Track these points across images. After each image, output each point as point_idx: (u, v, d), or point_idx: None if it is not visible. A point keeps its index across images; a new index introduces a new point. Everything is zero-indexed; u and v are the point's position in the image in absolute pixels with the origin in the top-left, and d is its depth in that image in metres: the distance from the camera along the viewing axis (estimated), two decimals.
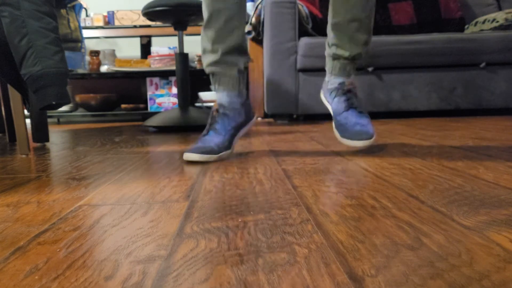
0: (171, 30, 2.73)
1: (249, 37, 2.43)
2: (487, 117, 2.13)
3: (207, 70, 1.02)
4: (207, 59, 1.01)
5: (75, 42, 2.24)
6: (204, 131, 1.00)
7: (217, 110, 1.00)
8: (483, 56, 2.13)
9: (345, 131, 1.03)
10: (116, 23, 2.75)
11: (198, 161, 0.94)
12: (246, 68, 1.03)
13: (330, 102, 1.11)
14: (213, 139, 0.97)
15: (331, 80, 1.11)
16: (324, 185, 0.70)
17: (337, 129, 1.06)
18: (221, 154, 0.96)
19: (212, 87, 1.04)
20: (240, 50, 1.00)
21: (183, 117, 1.82)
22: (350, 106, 1.06)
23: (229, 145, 0.99)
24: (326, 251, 0.41)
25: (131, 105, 2.67)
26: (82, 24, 2.73)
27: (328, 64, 1.12)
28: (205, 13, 0.98)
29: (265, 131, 1.69)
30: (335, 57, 1.08)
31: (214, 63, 1.00)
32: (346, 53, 1.06)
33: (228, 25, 0.97)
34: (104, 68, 2.68)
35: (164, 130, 1.88)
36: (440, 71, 2.16)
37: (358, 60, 1.08)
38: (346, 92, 1.08)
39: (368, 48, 1.08)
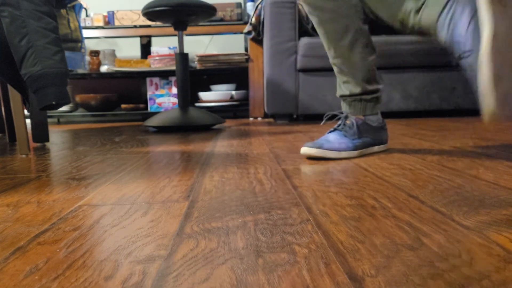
0: (171, 30, 2.73)
1: (249, 37, 2.43)
2: None
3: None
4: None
5: (75, 42, 2.24)
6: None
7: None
8: None
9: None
10: (116, 23, 2.75)
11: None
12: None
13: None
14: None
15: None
16: (324, 185, 0.70)
17: None
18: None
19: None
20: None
21: (183, 117, 1.82)
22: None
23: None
24: (326, 251, 0.41)
25: (131, 105, 2.67)
26: (82, 24, 2.73)
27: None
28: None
29: (265, 131, 1.69)
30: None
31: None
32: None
33: None
34: (104, 68, 2.68)
35: (164, 130, 1.88)
36: (440, 71, 2.16)
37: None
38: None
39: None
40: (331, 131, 1.02)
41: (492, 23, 0.71)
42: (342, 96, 1.05)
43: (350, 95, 1.02)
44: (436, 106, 2.18)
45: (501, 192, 0.61)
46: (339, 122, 1.02)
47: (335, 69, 1.05)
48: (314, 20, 1.02)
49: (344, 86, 1.04)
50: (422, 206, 0.55)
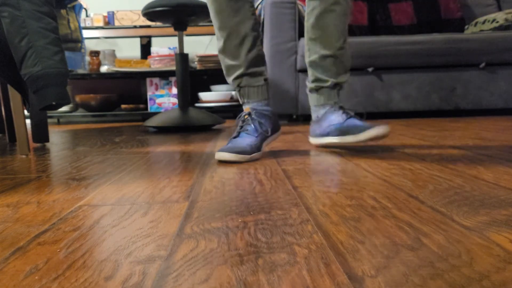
0: (171, 30, 2.73)
1: None
2: (487, 117, 2.13)
3: (235, 83, 1.07)
4: (233, 74, 1.06)
5: (75, 42, 2.24)
6: (235, 134, 1.02)
7: (249, 114, 1.04)
8: (483, 56, 2.13)
9: (356, 130, 1.00)
10: (116, 23, 2.75)
11: (230, 161, 0.94)
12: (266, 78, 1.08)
13: (327, 126, 1.08)
14: (245, 140, 0.98)
15: (319, 111, 1.11)
16: (324, 185, 0.70)
17: (345, 135, 1.02)
18: (253, 154, 0.96)
19: (240, 99, 1.08)
20: (262, 59, 1.06)
21: (183, 118, 1.82)
22: (350, 115, 1.06)
23: (260, 147, 1.00)
24: (326, 251, 0.41)
25: (131, 106, 2.67)
26: (82, 24, 2.73)
27: (312, 99, 1.13)
28: (220, 34, 1.03)
29: None
30: (318, 88, 1.10)
31: (241, 76, 1.05)
32: (327, 83, 1.09)
33: (247, 39, 1.02)
34: (104, 68, 2.68)
35: (164, 130, 1.88)
36: (440, 71, 2.16)
37: (338, 87, 1.09)
38: (340, 108, 1.09)
39: (346, 75, 1.10)
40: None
41: None
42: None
43: None
44: (436, 106, 2.18)
45: (501, 192, 0.61)
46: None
47: None
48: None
49: None
50: (422, 206, 0.55)
